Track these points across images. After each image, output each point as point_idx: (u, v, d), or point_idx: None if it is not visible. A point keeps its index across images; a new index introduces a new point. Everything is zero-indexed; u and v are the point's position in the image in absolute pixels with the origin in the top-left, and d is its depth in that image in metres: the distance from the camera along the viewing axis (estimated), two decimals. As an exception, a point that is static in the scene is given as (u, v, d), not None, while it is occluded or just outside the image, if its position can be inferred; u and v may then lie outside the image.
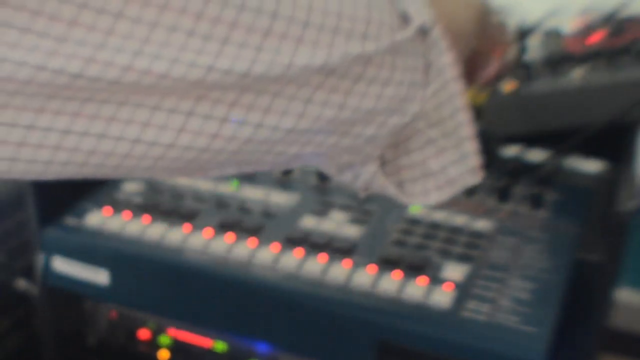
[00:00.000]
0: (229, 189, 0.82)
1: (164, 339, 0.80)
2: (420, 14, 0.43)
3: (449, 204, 0.78)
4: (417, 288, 0.66)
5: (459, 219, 0.76)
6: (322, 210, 0.78)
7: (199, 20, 0.34)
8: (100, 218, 0.78)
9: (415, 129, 0.46)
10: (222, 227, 0.75)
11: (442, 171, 0.47)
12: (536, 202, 0.77)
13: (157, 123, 0.36)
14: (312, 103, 0.40)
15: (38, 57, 0.32)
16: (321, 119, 0.41)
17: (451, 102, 0.46)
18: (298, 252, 0.71)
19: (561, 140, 0.80)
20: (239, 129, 0.38)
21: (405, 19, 0.43)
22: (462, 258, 0.70)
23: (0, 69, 0.32)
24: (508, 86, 0.81)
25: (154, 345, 0.80)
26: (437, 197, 0.47)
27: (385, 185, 0.48)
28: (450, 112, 0.46)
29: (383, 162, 0.48)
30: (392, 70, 0.42)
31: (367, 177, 0.48)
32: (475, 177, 0.47)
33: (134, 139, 0.36)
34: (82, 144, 0.35)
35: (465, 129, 0.46)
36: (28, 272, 0.82)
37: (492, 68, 0.56)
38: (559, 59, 0.80)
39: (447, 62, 0.44)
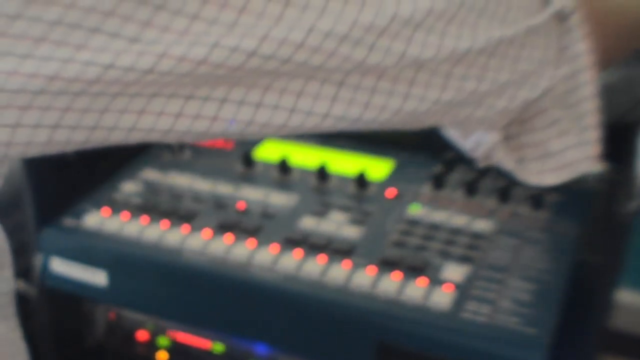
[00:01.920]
0: (228, 189, 0.82)
1: (163, 341, 0.79)
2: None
3: (449, 205, 0.78)
4: (416, 289, 0.66)
5: (459, 220, 0.75)
6: (321, 211, 0.78)
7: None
8: (99, 219, 0.78)
9: (542, 108, 0.47)
10: (221, 228, 0.75)
11: (561, 153, 0.48)
12: (536, 202, 0.76)
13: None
14: (452, 77, 0.42)
15: (107, 57, 0.33)
16: (462, 91, 0.42)
17: (580, 89, 0.47)
18: (297, 253, 0.71)
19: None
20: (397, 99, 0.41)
21: (546, 1, 0.45)
22: (462, 259, 0.70)
23: (68, 69, 0.32)
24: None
25: (152, 347, 0.80)
26: (552, 179, 0.49)
27: (504, 159, 0.50)
28: (577, 98, 0.47)
29: (507, 137, 0.49)
30: (525, 48, 0.44)
31: (488, 147, 0.50)
32: (592, 165, 0.48)
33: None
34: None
35: (590, 117, 0.47)
36: (26, 273, 0.81)
37: None
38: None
39: (583, 50, 0.45)
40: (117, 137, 0.37)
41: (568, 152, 0.48)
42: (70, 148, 0.37)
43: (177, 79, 0.35)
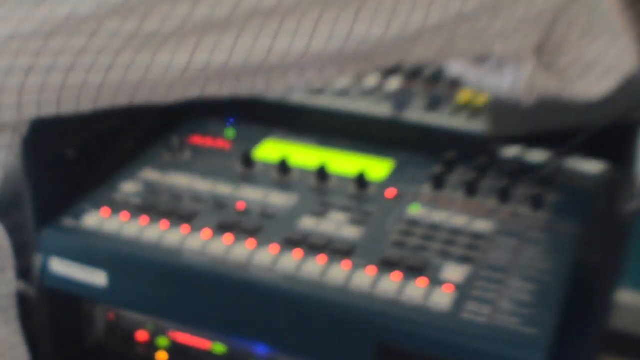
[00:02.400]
0: (227, 189, 0.82)
1: (162, 341, 0.79)
2: None
3: (449, 205, 0.78)
4: (416, 289, 0.66)
5: (459, 220, 0.75)
6: (321, 211, 0.77)
7: None
8: (98, 219, 0.77)
9: (569, 21, 0.46)
10: (221, 228, 0.75)
11: (600, 58, 0.48)
12: (537, 203, 0.76)
13: None
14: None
15: None
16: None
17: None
18: (297, 254, 0.71)
19: (562, 140, 0.80)
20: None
21: None
22: (462, 259, 0.70)
23: None
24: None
25: (152, 347, 0.80)
26: (600, 88, 0.49)
27: (547, 83, 0.50)
28: (598, 7, 0.47)
29: (546, 67, 0.49)
30: None
31: (528, 78, 0.49)
32: (633, 60, 0.49)
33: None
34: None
35: (616, 14, 0.47)
36: (25, 274, 0.81)
37: None
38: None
39: None
40: (134, 77, 0.38)
41: (606, 56, 0.47)
42: (85, 99, 0.38)
43: None
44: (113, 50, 0.37)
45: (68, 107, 0.39)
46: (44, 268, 0.78)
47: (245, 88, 0.44)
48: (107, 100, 0.40)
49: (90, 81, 0.38)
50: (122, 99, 0.41)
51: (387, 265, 0.69)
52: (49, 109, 0.38)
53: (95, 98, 0.39)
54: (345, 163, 0.85)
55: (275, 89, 0.45)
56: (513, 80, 0.50)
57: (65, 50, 0.36)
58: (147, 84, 0.40)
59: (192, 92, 0.43)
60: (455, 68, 0.57)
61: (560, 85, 0.50)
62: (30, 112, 0.38)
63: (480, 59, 0.52)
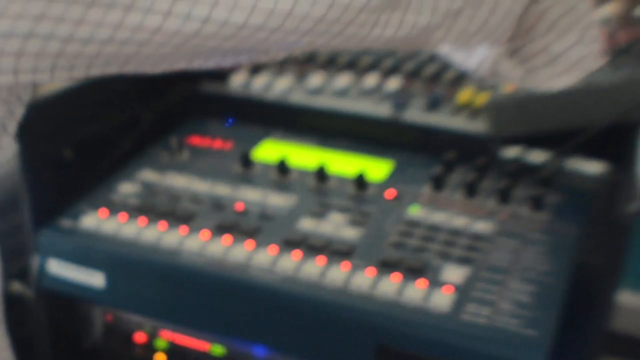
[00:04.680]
0: (226, 190, 0.81)
1: (160, 343, 0.79)
2: None
3: (449, 206, 0.77)
4: (416, 291, 0.66)
5: (459, 221, 0.75)
6: (320, 212, 0.77)
7: None
8: (96, 220, 0.77)
9: (541, 11, 0.47)
10: (220, 229, 0.74)
11: (566, 54, 0.48)
12: (537, 203, 0.76)
13: None
14: None
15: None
16: None
17: None
18: (296, 255, 0.71)
19: (562, 141, 0.79)
20: None
21: None
22: (462, 260, 0.69)
23: None
24: (508, 87, 0.81)
25: (150, 349, 0.80)
26: (561, 82, 0.50)
27: (511, 71, 0.50)
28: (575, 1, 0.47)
29: (513, 51, 0.50)
30: None
31: (493, 60, 0.50)
32: (597, 61, 0.49)
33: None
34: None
35: (589, 14, 0.47)
36: (23, 275, 0.81)
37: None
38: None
39: None
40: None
41: (572, 51, 0.48)
42: (79, 68, 0.38)
43: None
44: (110, 23, 0.37)
45: (61, 75, 0.40)
46: (42, 269, 0.78)
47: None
48: (100, 68, 0.41)
49: (86, 52, 0.38)
50: (113, 68, 0.41)
51: (386, 266, 0.69)
52: (43, 76, 0.39)
53: (88, 66, 0.40)
54: (344, 164, 0.85)
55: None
56: (480, 60, 0.51)
57: (64, 18, 0.36)
58: (138, 53, 0.39)
59: (181, 62, 0.43)
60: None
61: (525, 76, 0.50)
62: (26, 77, 0.39)
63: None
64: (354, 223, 0.75)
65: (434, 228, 0.74)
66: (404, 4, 0.42)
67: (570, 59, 0.48)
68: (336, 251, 0.71)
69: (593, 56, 0.49)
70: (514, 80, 0.52)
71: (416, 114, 0.86)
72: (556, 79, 0.50)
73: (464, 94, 0.87)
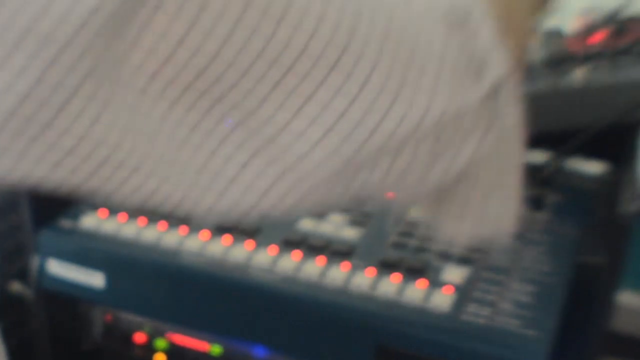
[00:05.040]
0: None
1: (160, 343, 0.79)
2: (495, 66, 0.40)
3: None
4: (416, 291, 0.66)
5: (459, 221, 0.75)
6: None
7: None
8: (96, 220, 0.77)
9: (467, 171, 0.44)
10: (219, 230, 0.74)
11: (482, 210, 0.45)
12: (537, 204, 0.76)
13: None
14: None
15: None
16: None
17: (508, 158, 0.46)
18: (296, 255, 0.71)
19: (562, 141, 0.79)
20: None
21: (479, 69, 0.40)
22: (462, 261, 0.69)
23: None
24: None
25: (150, 349, 0.79)
26: (469, 237, 0.47)
27: (426, 209, 0.47)
28: (502, 166, 0.45)
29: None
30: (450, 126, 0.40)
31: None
32: (513, 225, 0.46)
33: None
34: None
35: (514, 177, 0.46)
36: (22, 275, 0.81)
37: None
38: (560, 59, 0.79)
39: (512, 123, 0.43)
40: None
41: (489, 210, 0.45)
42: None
43: None
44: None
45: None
46: (41, 269, 0.77)
47: None
48: None
49: None
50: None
51: (386, 266, 0.69)
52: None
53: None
54: (344, 164, 0.84)
55: None
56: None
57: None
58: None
59: None
60: None
61: (434, 218, 0.47)
62: None
63: None
64: (354, 223, 0.75)
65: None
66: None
67: (485, 216, 0.45)
68: (336, 251, 0.71)
69: (508, 220, 0.46)
70: (426, 219, 0.48)
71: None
72: (465, 231, 0.46)
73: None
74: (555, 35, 0.85)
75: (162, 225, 0.75)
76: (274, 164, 0.36)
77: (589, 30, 0.84)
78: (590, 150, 0.81)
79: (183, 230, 0.74)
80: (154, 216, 0.77)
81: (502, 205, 0.46)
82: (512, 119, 0.43)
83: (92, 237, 0.76)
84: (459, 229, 0.46)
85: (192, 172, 0.35)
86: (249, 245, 0.72)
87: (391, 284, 0.66)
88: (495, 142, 0.43)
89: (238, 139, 0.35)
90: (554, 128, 0.78)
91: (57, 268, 0.77)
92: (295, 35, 0.33)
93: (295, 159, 0.36)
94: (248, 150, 0.35)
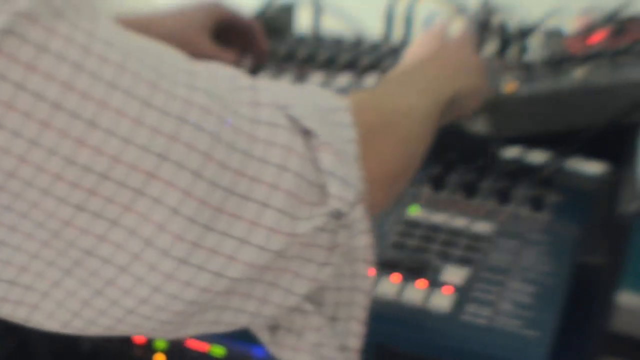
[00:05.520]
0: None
1: (160, 343, 0.79)
2: (344, 190, 0.39)
3: (449, 206, 0.77)
4: (416, 291, 0.65)
5: (459, 222, 0.75)
6: (320, 212, 0.77)
7: None
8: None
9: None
10: (219, 230, 0.74)
11: (316, 345, 0.45)
12: (537, 204, 0.76)
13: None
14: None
15: None
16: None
17: (352, 293, 0.45)
18: (296, 255, 0.70)
19: (562, 141, 0.79)
20: None
21: (324, 193, 0.39)
22: (462, 261, 0.69)
23: None
24: (509, 87, 0.81)
25: (149, 350, 0.79)
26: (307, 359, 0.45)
27: (259, 327, 0.46)
28: (348, 299, 0.45)
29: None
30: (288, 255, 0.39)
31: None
32: (357, 346, 0.47)
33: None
34: None
35: (363, 308, 0.46)
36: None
37: None
38: (560, 59, 0.79)
39: (361, 245, 0.42)
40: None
41: (322, 349, 0.44)
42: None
43: None
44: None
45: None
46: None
47: None
48: None
49: None
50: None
51: (386, 266, 0.68)
52: None
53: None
54: (344, 164, 0.84)
55: None
56: None
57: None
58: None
59: None
60: None
61: (270, 336, 0.46)
62: None
63: None
64: (354, 223, 0.75)
65: (434, 228, 0.74)
66: None
67: (320, 352, 0.45)
68: (336, 251, 0.71)
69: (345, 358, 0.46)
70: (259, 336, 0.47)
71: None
72: (303, 354, 0.45)
73: (464, 94, 0.87)
74: (555, 35, 0.85)
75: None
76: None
77: (589, 30, 0.83)
78: (590, 150, 0.81)
79: (182, 230, 0.74)
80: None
81: (348, 326, 0.46)
82: (362, 241, 0.42)
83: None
84: (297, 346, 0.45)
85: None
86: (248, 245, 0.72)
87: (391, 284, 0.66)
88: (340, 265, 0.42)
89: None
90: (554, 128, 0.78)
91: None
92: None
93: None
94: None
